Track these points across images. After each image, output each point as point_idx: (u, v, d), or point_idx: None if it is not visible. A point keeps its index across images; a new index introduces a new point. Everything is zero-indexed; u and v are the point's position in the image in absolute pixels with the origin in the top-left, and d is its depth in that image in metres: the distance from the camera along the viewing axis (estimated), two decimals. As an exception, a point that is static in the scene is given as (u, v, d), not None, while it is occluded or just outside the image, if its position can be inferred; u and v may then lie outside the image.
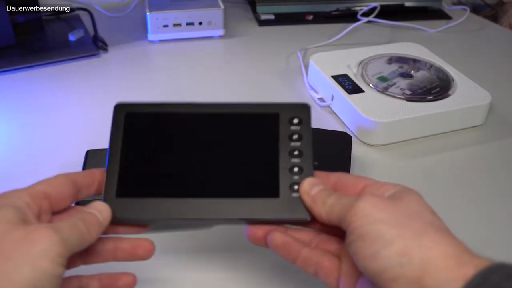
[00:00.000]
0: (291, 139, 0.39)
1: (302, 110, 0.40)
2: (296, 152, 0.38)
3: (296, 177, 0.38)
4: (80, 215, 0.33)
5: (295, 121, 0.39)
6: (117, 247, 0.36)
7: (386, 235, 0.30)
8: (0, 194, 0.32)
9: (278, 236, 0.36)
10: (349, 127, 0.66)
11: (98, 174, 0.38)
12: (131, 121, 0.39)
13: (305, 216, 0.37)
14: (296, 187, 0.37)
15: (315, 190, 0.36)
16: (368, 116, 0.61)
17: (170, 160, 0.38)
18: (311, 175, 0.38)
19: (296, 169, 0.38)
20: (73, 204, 0.37)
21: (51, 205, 0.34)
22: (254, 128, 0.39)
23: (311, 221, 0.37)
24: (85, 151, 0.55)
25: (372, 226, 0.31)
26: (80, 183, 0.36)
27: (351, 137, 0.58)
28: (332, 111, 0.69)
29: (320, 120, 0.68)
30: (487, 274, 0.27)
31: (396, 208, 0.32)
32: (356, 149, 0.61)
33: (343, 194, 0.36)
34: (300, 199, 0.37)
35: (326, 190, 0.36)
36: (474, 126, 0.67)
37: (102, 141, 0.55)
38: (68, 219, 0.32)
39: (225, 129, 0.39)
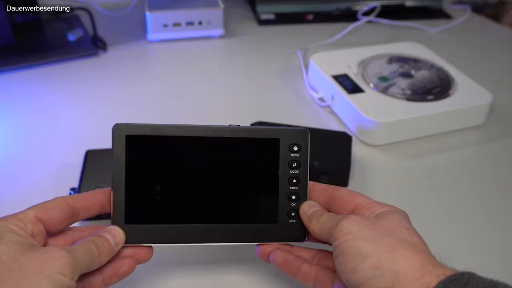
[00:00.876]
0: (290, 167, 0.41)
1: (302, 137, 0.41)
2: (294, 180, 0.41)
3: (293, 204, 0.41)
4: (95, 239, 0.35)
5: (295, 148, 0.41)
6: (118, 255, 0.38)
7: (363, 250, 0.33)
8: None
9: (279, 254, 0.40)
10: (349, 127, 0.66)
11: (100, 196, 0.39)
12: (133, 144, 0.39)
13: (301, 238, 0.41)
14: (293, 214, 0.41)
15: (311, 210, 0.40)
16: (368, 116, 0.61)
17: (175, 186, 0.40)
18: (306, 200, 0.41)
19: (294, 197, 0.41)
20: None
21: (45, 228, 0.36)
22: (256, 153, 0.41)
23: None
24: (85, 151, 0.55)
25: (352, 242, 0.34)
26: (78, 206, 0.37)
27: (351, 137, 0.58)
28: (332, 111, 0.69)
29: (320, 120, 0.68)
30: (446, 283, 0.31)
31: (375, 226, 0.35)
32: (356, 149, 0.61)
33: (337, 210, 0.40)
34: (296, 223, 0.41)
35: (321, 210, 0.40)
36: (474, 126, 0.67)
37: (102, 141, 0.55)
38: (83, 242, 0.35)
39: (228, 153, 0.40)
